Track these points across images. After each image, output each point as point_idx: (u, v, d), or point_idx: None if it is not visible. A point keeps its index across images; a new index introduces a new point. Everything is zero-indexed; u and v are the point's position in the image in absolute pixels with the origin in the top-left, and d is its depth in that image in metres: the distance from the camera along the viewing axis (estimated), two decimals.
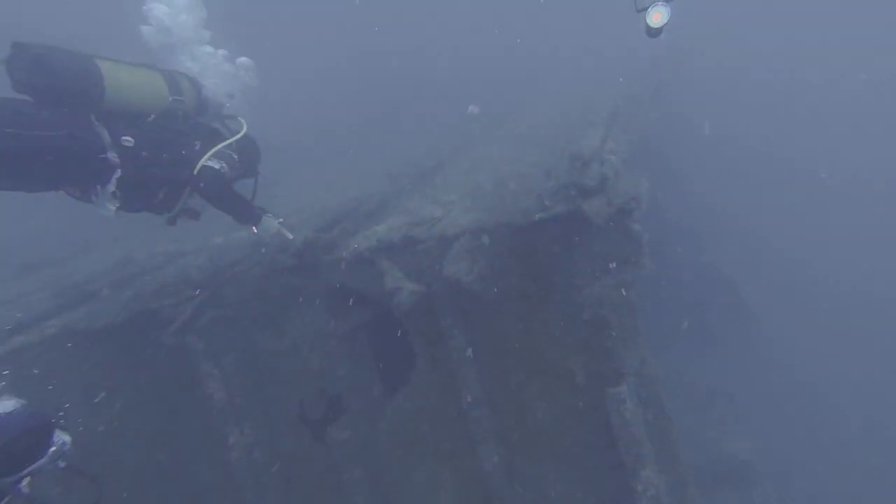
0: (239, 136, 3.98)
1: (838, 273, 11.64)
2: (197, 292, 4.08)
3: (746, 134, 13.40)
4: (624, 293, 4.20)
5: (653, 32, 2.69)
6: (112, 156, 3.21)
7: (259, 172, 4.55)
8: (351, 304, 4.43)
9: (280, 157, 10.17)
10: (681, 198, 10.73)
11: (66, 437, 2.78)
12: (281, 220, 4.37)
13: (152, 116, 3.52)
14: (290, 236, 4.21)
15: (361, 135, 11.36)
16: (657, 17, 2.62)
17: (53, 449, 2.67)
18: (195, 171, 3.70)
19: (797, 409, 9.08)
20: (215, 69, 4.15)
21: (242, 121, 4.15)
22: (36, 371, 3.94)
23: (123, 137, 3.25)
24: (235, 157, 4.01)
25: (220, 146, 3.81)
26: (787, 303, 10.90)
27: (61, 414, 2.88)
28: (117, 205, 3.35)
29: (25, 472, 2.56)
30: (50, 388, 3.78)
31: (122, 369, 4.12)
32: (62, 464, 2.73)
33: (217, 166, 3.75)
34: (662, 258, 9.02)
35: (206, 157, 3.70)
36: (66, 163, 3.06)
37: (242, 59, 4.28)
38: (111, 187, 3.23)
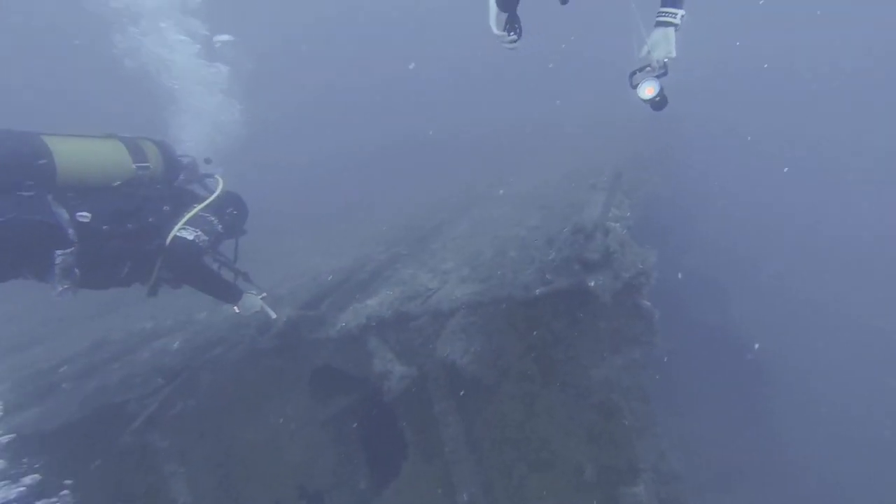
0: (213, 197, 3.72)
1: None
2: (166, 382, 3.75)
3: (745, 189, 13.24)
4: (635, 376, 3.81)
5: (655, 105, 2.64)
6: (71, 233, 2.98)
7: (245, 231, 4.29)
8: (337, 387, 4.07)
9: (274, 215, 10.14)
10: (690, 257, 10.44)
11: None
12: (264, 294, 4.07)
13: (117, 182, 3.31)
14: (273, 315, 3.90)
15: (364, 189, 11.29)
16: (649, 90, 2.60)
17: None
18: (167, 242, 3.45)
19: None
20: (193, 74, 3.91)
21: (220, 178, 3.88)
22: None
23: (79, 213, 3.03)
24: (214, 220, 3.73)
25: (192, 212, 3.54)
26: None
27: None
28: (75, 284, 3.08)
29: None
30: None
31: (76, 474, 3.71)
32: None
33: (191, 236, 3.49)
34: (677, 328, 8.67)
35: (178, 226, 3.45)
36: (19, 248, 2.83)
37: (224, 37, 4.05)
38: (68, 266, 2.98)
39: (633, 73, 2.67)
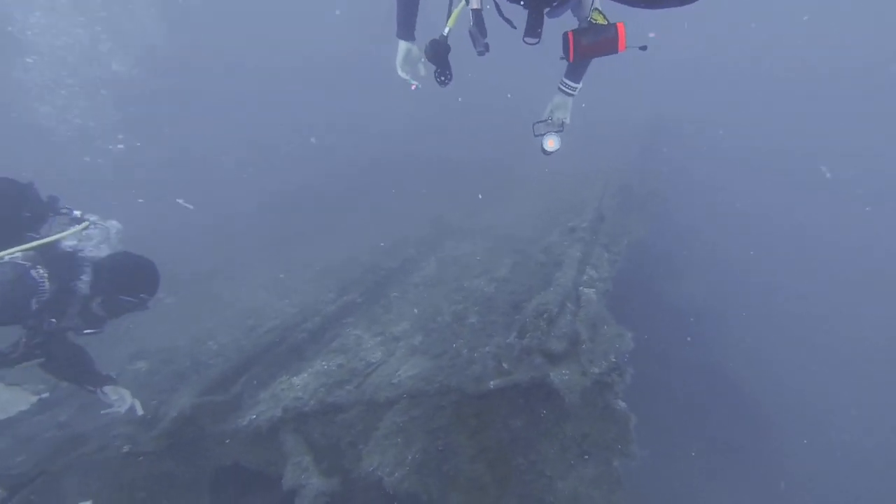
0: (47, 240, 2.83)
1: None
2: (8, 495, 2.99)
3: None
4: (609, 492, 3.12)
5: (546, 153, 3.01)
6: None
7: (146, 307, 3.43)
8: (242, 495, 3.34)
9: (231, 236, 9.38)
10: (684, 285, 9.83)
11: None
12: (130, 400, 3.28)
13: None
14: (140, 412, 3.17)
15: (332, 214, 10.56)
16: (550, 143, 2.97)
17: None
18: None
19: None
20: None
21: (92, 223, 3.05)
22: None
23: None
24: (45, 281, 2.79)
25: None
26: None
27: None
28: None
29: None
30: None
31: None
32: None
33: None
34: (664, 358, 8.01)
35: None
36: None
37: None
38: None
39: (536, 123, 3.02)
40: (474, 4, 2.52)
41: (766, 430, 8.68)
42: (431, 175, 10.65)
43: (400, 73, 2.89)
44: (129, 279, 3.10)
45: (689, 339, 8.76)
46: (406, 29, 2.81)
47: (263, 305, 6.17)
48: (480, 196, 9.34)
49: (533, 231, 6.70)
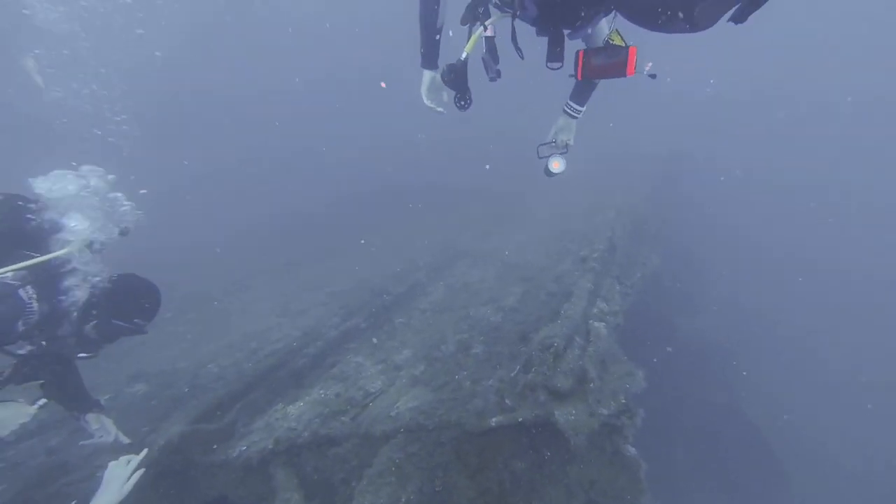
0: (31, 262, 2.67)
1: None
2: None
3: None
4: None
5: (550, 174, 3.00)
6: None
7: (144, 331, 3.31)
8: None
9: (241, 260, 9.35)
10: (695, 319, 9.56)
11: None
12: (114, 431, 3.16)
13: None
14: (126, 441, 3.05)
15: (343, 234, 10.55)
16: (556, 164, 2.97)
17: None
18: None
19: None
20: None
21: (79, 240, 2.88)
22: None
23: None
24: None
25: None
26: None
27: None
28: None
29: None
30: None
31: None
32: None
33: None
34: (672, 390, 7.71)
35: None
36: None
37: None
38: None
39: (540, 146, 3.02)
40: (488, 32, 2.51)
41: (777, 472, 8.35)
42: (445, 200, 10.61)
43: (425, 101, 2.89)
44: (126, 303, 3.00)
45: (701, 376, 8.49)
46: (430, 59, 2.82)
47: (269, 328, 6.08)
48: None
49: (543, 258, 6.56)
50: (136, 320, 3.06)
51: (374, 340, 4.87)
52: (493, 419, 3.05)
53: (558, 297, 4.61)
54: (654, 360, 4.09)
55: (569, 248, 6.45)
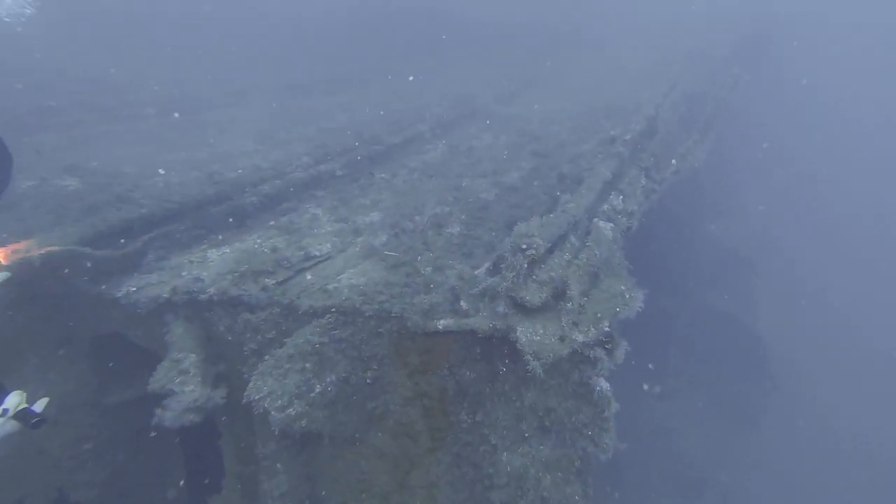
0: None
1: None
2: None
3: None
4: (563, 483, 2.46)
5: None
6: None
7: None
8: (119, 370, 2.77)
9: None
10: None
11: None
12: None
13: None
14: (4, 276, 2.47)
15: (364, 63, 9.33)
16: None
17: None
18: None
19: None
20: None
21: None
22: None
23: None
24: None
25: None
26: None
27: None
28: None
29: None
30: None
31: None
32: None
33: None
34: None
35: None
36: None
37: None
38: None
39: None
40: None
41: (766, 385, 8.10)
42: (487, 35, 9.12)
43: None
44: None
45: (714, 288, 7.89)
46: None
47: (242, 153, 5.33)
48: None
49: (568, 131, 5.55)
50: None
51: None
52: (441, 322, 2.42)
53: (567, 182, 3.75)
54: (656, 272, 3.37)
55: (601, 125, 5.40)
